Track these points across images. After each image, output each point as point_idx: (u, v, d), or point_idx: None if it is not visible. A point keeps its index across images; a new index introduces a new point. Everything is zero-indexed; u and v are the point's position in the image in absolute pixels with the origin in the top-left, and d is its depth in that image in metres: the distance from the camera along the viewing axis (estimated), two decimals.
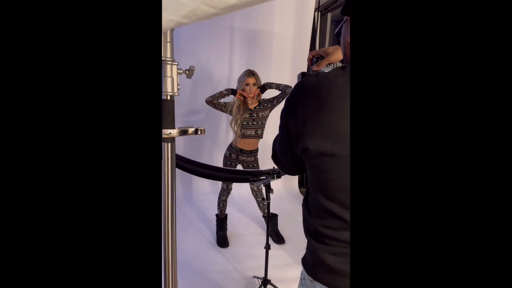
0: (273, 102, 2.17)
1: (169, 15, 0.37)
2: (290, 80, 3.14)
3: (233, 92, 2.11)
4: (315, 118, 0.58)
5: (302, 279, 0.75)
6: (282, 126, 0.67)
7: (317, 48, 3.28)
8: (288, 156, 0.70)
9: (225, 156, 2.28)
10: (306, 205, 0.71)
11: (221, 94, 2.11)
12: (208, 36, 2.92)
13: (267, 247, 1.67)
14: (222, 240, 2.29)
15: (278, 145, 0.73)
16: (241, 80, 2.11)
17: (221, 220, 2.35)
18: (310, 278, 0.69)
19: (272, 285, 1.72)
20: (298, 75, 0.91)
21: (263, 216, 2.44)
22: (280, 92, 2.17)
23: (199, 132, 0.96)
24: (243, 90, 2.10)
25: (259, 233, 2.50)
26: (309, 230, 0.70)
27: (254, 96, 2.11)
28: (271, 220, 2.36)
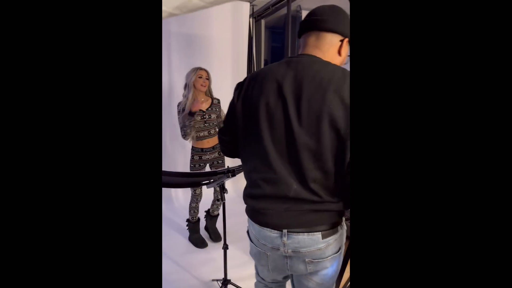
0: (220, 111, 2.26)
1: (163, 6, 0.39)
2: (232, 84, 3.19)
3: (190, 113, 2.08)
4: (253, 84, 0.85)
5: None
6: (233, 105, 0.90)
7: (254, 52, 3.40)
8: (229, 128, 0.93)
9: (190, 160, 2.24)
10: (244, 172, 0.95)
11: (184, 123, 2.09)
12: None
13: (225, 247, 1.68)
14: (201, 241, 2.32)
15: (224, 125, 0.97)
16: (191, 73, 2.10)
17: (194, 224, 2.36)
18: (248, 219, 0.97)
19: (233, 284, 1.73)
20: None
21: (210, 212, 2.45)
22: None
23: None
24: (195, 82, 2.09)
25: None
26: (247, 183, 0.94)
27: (206, 88, 2.14)
28: (211, 219, 2.42)
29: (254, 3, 3.19)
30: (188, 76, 2.14)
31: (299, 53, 0.85)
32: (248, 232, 0.98)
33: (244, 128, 0.87)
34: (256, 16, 3.38)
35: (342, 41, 0.81)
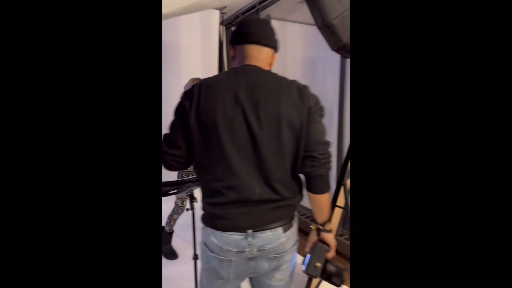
0: None
1: None
2: None
3: None
4: (204, 93, 0.86)
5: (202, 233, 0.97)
6: (182, 114, 0.87)
7: (224, 59, 3.41)
8: (180, 140, 0.88)
9: (180, 171, 2.16)
10: (201, 182, 0.94)
11: None
12: None
13: (195, 257, 1.65)
14: (171, 252, 2.25)
15: (168, 135, 0.91)
16: (190, 84, 2.12)
17: (168, 235, 2.29)
18: (203, 225, 0.95)
19: None
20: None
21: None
22: None
23: None
24: None
25: (184, 247, 2.42)
26: (203, 193, 0.93)
27: None
28: (168, 236, 2.32)
29: (223, 11, 3.21)
30: (186, 87, 2.15)
31: (243, 63, 0.92)
32: (205, 244, 0.95)
33: (200, 139, 0.86)
34: (226, 24, 3.41)
35: (273, 54, 0.96)
